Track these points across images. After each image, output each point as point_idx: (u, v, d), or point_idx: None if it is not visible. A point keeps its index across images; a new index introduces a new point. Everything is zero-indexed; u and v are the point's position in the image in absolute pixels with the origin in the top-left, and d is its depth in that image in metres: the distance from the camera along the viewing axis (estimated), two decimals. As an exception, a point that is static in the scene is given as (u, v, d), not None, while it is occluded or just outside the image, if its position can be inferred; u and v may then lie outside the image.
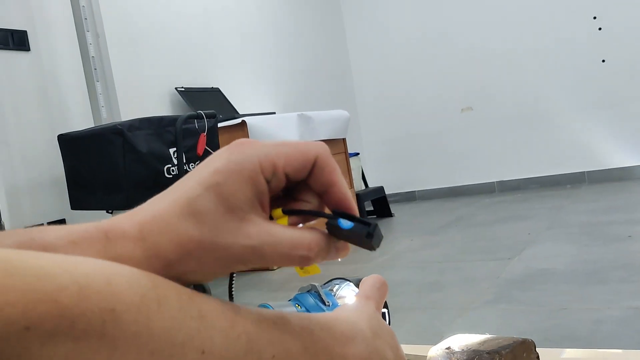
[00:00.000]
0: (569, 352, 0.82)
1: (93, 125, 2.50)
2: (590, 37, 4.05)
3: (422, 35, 4.61)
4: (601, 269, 2.01)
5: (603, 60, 4.04)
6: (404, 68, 4.71)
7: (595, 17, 4.03)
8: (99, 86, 2.51)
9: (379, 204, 4.15)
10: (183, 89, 3.10)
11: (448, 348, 0.65)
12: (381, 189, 4.15)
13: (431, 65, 4.61)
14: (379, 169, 4.84)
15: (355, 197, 3.73)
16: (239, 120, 2.84)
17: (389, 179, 4.72)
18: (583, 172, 4.17)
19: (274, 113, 3.22)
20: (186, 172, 2.31)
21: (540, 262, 2.23)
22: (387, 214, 4.10)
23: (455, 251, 2.68)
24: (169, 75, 3.11)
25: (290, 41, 4.18)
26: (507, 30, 4.31)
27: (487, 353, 0.61)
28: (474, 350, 0.62)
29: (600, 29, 4.02)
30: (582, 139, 4.14)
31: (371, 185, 4.38)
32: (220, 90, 3.32)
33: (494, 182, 4.49)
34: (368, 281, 0.44)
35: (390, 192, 4.63)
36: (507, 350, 0.63)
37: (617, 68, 3.99)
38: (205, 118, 2.35)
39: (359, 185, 4.03)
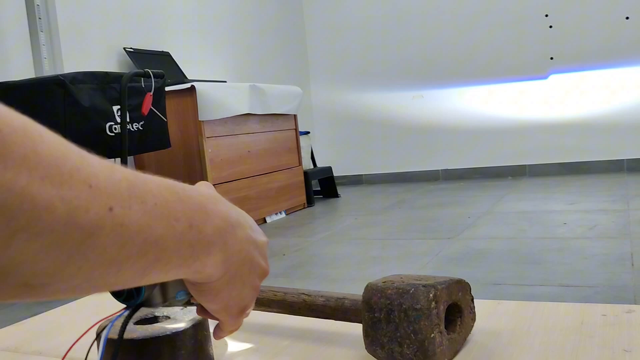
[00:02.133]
0: (503, 302, 0.83)
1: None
2: (541, 34, 4.15)
3: (380, 19, 4.62)
4: (537, 251, 2.07)
5: (551, 58, 4.15)
6: (361, 51, 4.72)
7: (547, 15, 4.13)
8: (42, 37, 2.39)
9: (326, 184, 4.15)
10: (132, 50, 3.00)
11: (386, 281, 0.64)
12: (329, 169, 4.15)
13: (387, 50, 4.63)
14: (329, 150, 4.84)
15: (303, 175, 3.72)
16: (188, 85, 2.77)
17: (338, 160, 4.73)
18: (524, 165, 4.29)
19: (225, 82, 3.16)
20: (129, 130, 2.24)
21: (478, 242, 2.28)
22: (334, 194, 4.11)
23: (397, 230, 2.71)
24: (118, 33, 2.99)
25: (247, 12, 4.11)
26: (462, 20, 4.36)
27: (424, 286, 0.61)
28: (410, 284, 0.62)
29: (550, 26, 4.13)
30: (525, 133, 4.26)
31: (320, 165, 4.38)
32: (170, 55, 3.23)
33: (439, 170, 4.56)
34: (203, 184, 0.48)
35: (338, 174, 4.64)
36: (443, 285, 0.62)
37: (564, 67, 4.11)
38: (152, 77, 2.27)
39: (308, 164, 4.02)
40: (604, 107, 4.04)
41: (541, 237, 2.28)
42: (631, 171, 3.93)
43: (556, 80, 4.16)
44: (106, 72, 2.17)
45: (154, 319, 0.67)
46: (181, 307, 0.70)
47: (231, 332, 0.52)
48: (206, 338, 0.66)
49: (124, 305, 0.50)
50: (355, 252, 2.33)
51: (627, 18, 3.93)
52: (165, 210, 0.35)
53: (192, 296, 0.47)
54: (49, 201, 0.27)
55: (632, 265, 1.81)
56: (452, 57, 4.43)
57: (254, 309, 0.76)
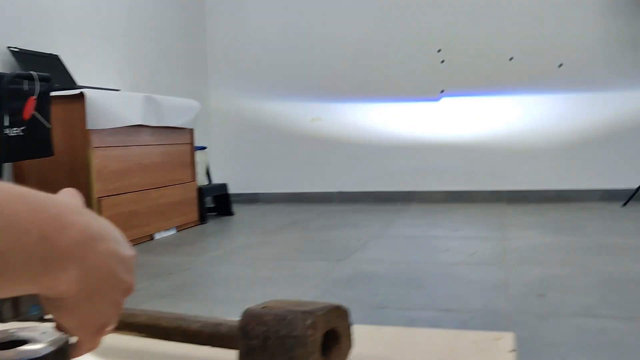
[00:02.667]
0: (381, 328, 0.84)
1: None
2: (433, 68, 4.37)
3: (283, 37, 4.66)
4: (420, 275, 2.14)
5: (442, 91, 4.38)
6: (262, 71, 4.72)
7: (439, 50, 4.36)
8: None
9: (220, 201, 4.09)
10: (17, 50, 2.80)
11: (265, 306, 0.63)
12: (224, 186, 4.09)
13: (288, 69, 4.67)
14: (225, 166, 4.78)
15: (197, 191, 3.63)
16: (77, 92, 2.63)
17: (234, 178, 4.67)
18: (414, 192, 4.46)
19: (118, 90, 3.03)
20: (7, 136, 2.08)
21: (367, 265, 2.33)
22: (228, 212, 4.05)
23: (289, 250, 2.71)
24: (2, 31, 2.79)
25: (147, 20, 3.98)
26: (362, 44, 4.50)
27: (302, 312, 0.60)
28: (289, 310, 0.61)
29: (443, 61, 4.36)
30: (412, 161, 4.44)
31: (215, 181, 4.30)
32: (59, 58, 3.05)
33: (334, 192, 4.64)
34: (67, 192, 0.45)
35: (234, 192, 4.59)
36: (322, 312, 0.62)
37: (453, 101, 4.35)
38: (37, 80, 2.14)
39: (203, 180, 3.94)
40: (490, 139, 4.31)
41: (425, 262, 2.36)
42: (510, 202, 4.21)
43: (451, 108, 4.39)
44: (-16, 71, 2.01)
45: (11, 343, 0.61)
46: (42, 331, 0.65)
47: (89, 350, 0.48)
48: (67, 365, 0.62)
49: None
50: (245, 273, 2.30)
51: (511, 59, 4.23)
52: (13, 221, 0.33)
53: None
54: None
55: (506, 291, 1.92)
56: (352, 79, 4.54)
57: (126, 333, 0.72)
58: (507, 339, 0.78)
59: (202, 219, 3.67)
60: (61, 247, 0.37)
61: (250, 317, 0.61)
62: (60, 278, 0.37)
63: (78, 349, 0.48)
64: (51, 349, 0.59)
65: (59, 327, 0.46)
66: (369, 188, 4.57)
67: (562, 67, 4.15)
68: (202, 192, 3.70)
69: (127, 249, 0.45)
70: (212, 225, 3.65)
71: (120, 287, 0.44)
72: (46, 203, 0.37)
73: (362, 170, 4.58)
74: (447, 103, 4.38)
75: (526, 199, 4.22)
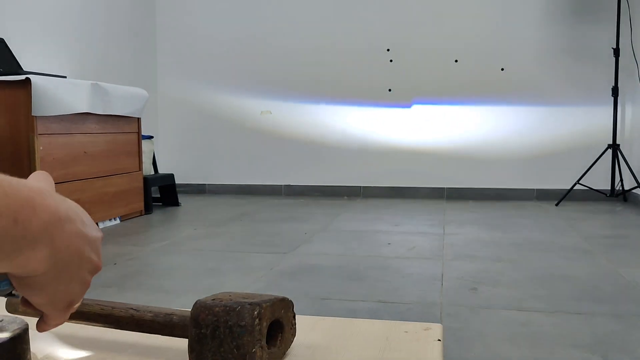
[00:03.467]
0: (322, 319, 0.90)
1: None
2: (382, 68, 4.48)
3: (233, 35, 4.66)
4: (362, 268, 2.23)
5: (389, 90, 4.49)
6: (212, 63, 4.71)
7: (388, 50, 4.46)
8: None
9: (167, 191, 4.07)
10: (-43, 31, 2.72)
11: (215, 298, 0.68)
12: (171, 176, 4.07)
13: (238, 63, 4.67)
14: (172, 156, 4.75)
15: (143, 181, 3.61)
16: (22, 77, 2.57)
17: (180, 168, 4.65)
18: (359, 187, 4.57)
19: (65, 77, 2.98)
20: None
21: (311, 258, 2.40)
22: (174, 202, 4.04)
23: (236, 242, 2.75)
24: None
25: (96, 6, 3.91)
26: (314, 42, 4.55)
27: (249, 304, 0.65)
28: (237, 302, 0.66)
29: (391, 60, 4.47)
30: (362, 156, 4.54)
31: (161, 171, 4.28)
32: (4, 42, 2.97)
33: (281, 185, 4.69)
34: (38, 175, 0.48)
35: (181, 182, 4.57)
36: (268, 304, 0.67)
37: (399, 98, 4.47)
38: (-19, 65, 2.09)
39: (149, 170, 3.91)
40: (433, 139, 4.46)
41: (367, 256, 2.45)
42: (449, 199, 4.36)
43: (397, 110, 4.50)
44: None
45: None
46: (2, 319, 0.67)
47: (56, 325, 0.51)
48: (25, 351, 0.65)
49: None
50: (191, 264, 2.32)
51: (456, 61, 4.38)
52: None
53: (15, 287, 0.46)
54: None
55: (442, 284, 2.02)
56: (303, 75, 4.59)
57: (80, 322, 0.76)
58: (435, 330, 0.86)
59: (148, 209, 3.66)
60: (32, 229, 0.39)
61: (201, 308, 0.66)
62: (31, 257, 0.40)
63: (45, 324, 0.50)
64: (8, 335, 0.62)
65: (25, 304, 0.49)
66: (316, 182, 4.64)
67: (504, 71, 4.33)
68: (148, 181, 3.68)
69: (93, 231, 0.48)
70: (157, 215, 3.63)
71: (88, 266, 0.47)
72: (18, 187, 0.39)
73: (310, 165, 4.65)
74: (396, 107, 4.49)
75: (466, 197, 4.39)
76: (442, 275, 2.14)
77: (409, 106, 4.48)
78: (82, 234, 0.45)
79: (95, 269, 0.48)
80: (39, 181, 0.47)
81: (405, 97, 4.47)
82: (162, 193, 4.08)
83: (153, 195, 3.85)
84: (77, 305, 0.51)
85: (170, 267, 2.29)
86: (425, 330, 0.85)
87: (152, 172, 4.02)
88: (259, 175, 4.73)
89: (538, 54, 4.29)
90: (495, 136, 4.39)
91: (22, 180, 0.41)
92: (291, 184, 4.68)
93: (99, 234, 0.49)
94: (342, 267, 2.25)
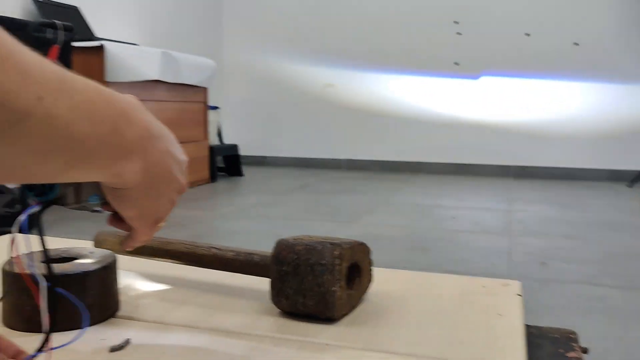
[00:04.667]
0: (398, 271, 0.90)
1: None
2: (449, 40, 4.37)
3: (300, 4, 4.65)
4: (427, 240, 2.20)
5: (456, 63, 4.38)
6: (278, 34, 4.72)
7: (456, 22, 4.35)
8: (-63, -31, 2.20)
9: (231, 161, 4.14)
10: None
11: (296, 238, 0.68)
12: (235, 147, 4.14)
13: (304, 38, 4.66)
14: (236, 127, 4.82)
15: (209, 150, 3.68)
16: (97, 43, 2.66)
17: (244, 139, 4.71)
18: (422, 162, 4.50)
19: (137, 45, 3.06)
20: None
21: (375, 228, 2.39)
22: (238, 172, 4.11)
23: (299, 211, 2.77)
24: (23, -20, 2.81)
25: (165, -21, 3.98)
26: (376, 24, 4.49)
27: (330, 244, 0.65)
28: (318, 242, 0.66)
29: (459, 33, 4.35)
30: (422, 133, 4.47)
31: (226, 142, 4.35)
32: (78, 10, 3.07)
33: (342, 159, 4.69)
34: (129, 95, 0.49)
35: (244, 154, 4.63)
36: (348, 246, 0.67)
37: (467, 70, 4.35)
38: (60, 29, 2.17)
39: (214, 140, 3.98)
40: (500, 114, 4.33)
41: (431, 229, 2.42)
42: (517, 177, 4.25)
43: (464, 83, 4.40)
44: (11, 19, 2.05)
45: (64, 260, 0.66)
46: (90, 250, 0.70)
47: (142, 242, 0.52)
48: (113, 281, 0.67)
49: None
50: (256, 229, 2.36)
51: (527, 34, 4.22)
52: (91, 110, 0.36)
53: (104, 202, 0.47)
54: None
55: (509, 258, 1.97)
56: (368, 46, 4.54)
57: (164, 260, 0.78)
58: (514, 285, 0.84)
59: (213, 178, 3.73)
60: (128, 139, 0.40)
61: (283, 246, 0.67)
62: (126, 167, 0.41)
63: (133, 239, 0.52)
64: (100, 264, 0.65)
65: (112, 221, 0.50)
66: (377, 157, 4.61)
67: (578, 46, 4.14)
68: (213, 151, 3.75)
69: (180, 153, 0.49)
70: (222, 184, 3.71)
71: (175, 185, 0.48)
72: (117, 98, 0.40)
73: (372, 139, 4.62)
74: (463, 80, 4.38)
75: (533, 175, 4.25)
76: (510, 249, 2.09)
77: (476, 78, 4.36)
78: (171, 153, 0.47)
79: (181, 189, 0.49)
80: (133, 98, 0.49)
81: (472, 68, 4.35)
82: (226, 163, 4.15)
83: (217, 165, 3.92)
84: (162, 224, 0.52)
85: (236, 230, 2.33)
86: (503, 285, 0.83)
87: (218, 142, 4.10)
88: (320, 149, 4.74)
89: (615, 27, 4.07)
90: (567, 113, 4.22)
91: (120, 94, 0.42)
92: (352, 158, 4.67)
93: (185, 158, 0.50)
94: (406, 237, 2.23)
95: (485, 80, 4.33)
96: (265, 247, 2.15)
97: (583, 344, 0.69)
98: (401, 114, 4.53)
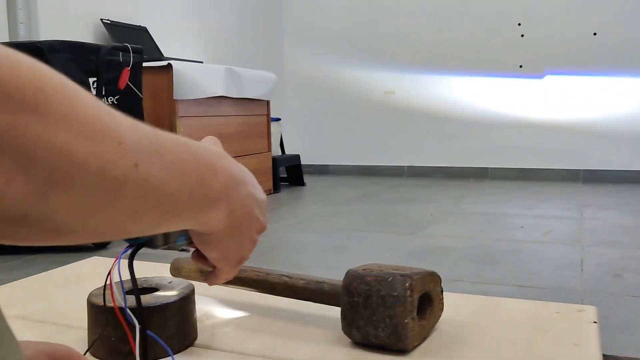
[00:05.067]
0: (468, 296, 0.89)
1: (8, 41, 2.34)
2: (512, 42, 4.27)
3: (358, 10, 4.66)
4: (494, 251, 2.16)
5: (520, 66, 4.27)
6: (335, 43, 4.75)
7: (519, 24, 4.24)
8: (19, 0, 2.35)
9: (293, 171, 4.19)
10: (109, 22, 2.96)
11: (366, 268, 0.69)
12: (297, 157, 4.19)
13: (362, 45, 4.67)
14: (297, 138, 4.87)
15: (271, 161, 3.75)
16: (164, 63, 2.76)
17: (305, 149, 4.76)
18: (486, 168, 4.41)
19: (202, 62, 3.15)
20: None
21: (439, 239, 2.36)
22: (300, 182, 4.15)
23: (361, 222, 2.77)
24: (96, 4, 2.95)
25: (226, -5, 4.09)
26: (436, 27, 4.44)
27: (401, 275, 0.66)
28: (389, 272, 0.67)
29: (522, 35, 4.25)
30: (485, 137, 4.38)
31: (288, 152, 4.41)
32: (147, 30, 3.20)
33: (404, 166, 4.65)
34: (210, 139, 0.51)
35: (305, 163, 4.68)
36: (419, 276, 0.68)
37: (530, 69, 4.24)
38: (131, 52, 2.27)
39: (277, 151, 4.05)
40: (567, 115, 4.19)
41: (499, 239, 2.37)
42: (586, 182, 4.09)
43: (529, 83, 4.29)
44: (83, 43, 2.15)
45: (145, 290, 0.70)
46: (169, 280, 0.74)
47: (225, 280, 0.55)
48: (192, 310, 0.70)
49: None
50: (320, 241, 2.38)
51: (595, 34, 4.07)
52: (180, 167, 0.38)
53: (190, 242, 0.50)
54: (83, 156, 0.29)
55: (582, 270, 1.91)
56: (429, 51, 4.50)
57: (237, 287, 0.80)
58: (589, 312, 0.81)
59: (276, 188, 3.79)
60: (214, 189, 0.42)
61: (353, 277, 0.68)
62: (212, 215, 0.43)
63: (216, 277, 0.55)
64: (180, 295, 0.68)
65: (196, 259, 0.53)
66: (439, 163, 4.55)
67: (650, 42, 3.95)
68: (276, 162, 3.81)
69: (261, 193, 0.51)
70: (285, 194, 3.76)
71: (256, 226, 0.51)
72: (202, 151, 0.42)
73: (433, 144, 4.56)
74: (525, 80, 4.27)
75: (604, 179, 4.09)
76: (582, 260, 2.02)
77: (541, 77, 4.23)
78: (252, 195, 0.49)
79: (261, 229, 0.52)
80: (214, 144, 0.51)
81: (536, 67, 4.22)
82: (289, 173, 4.21)
83: (280, 175, 3.98)
84: (244, 262, 0.54)
85: (301, 243, 2.36)
86: (578, 312, 0.81)
87: (280, 153, 4.16)
88: (381, 156, 4.72)
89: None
90: (636, 115, 4.04)
91: (202, 144, 0.44)
92: (414, 165, 4.63)
93: (264, 197, 0.53)
94: (472, 249, 2.20)
95: (551, 80, 4.20)
96: (331, 260, 2.17)
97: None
98: (463, 116, 4.46)
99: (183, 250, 0.55)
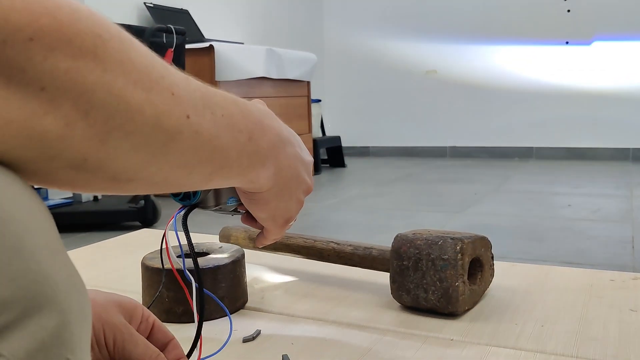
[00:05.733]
0: (519, 264, 0.87)
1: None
2: (558, 18, 4.14)
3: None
4: (541, 229, 2.12)
5: (567, 42, 4.14)
6: (376, 23, 4.70)
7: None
8: (65, -15, 2.40)
9: (333, 153, 4.18)
10: (152, 5, 3.00)
11: (415, 232, 0.68)
12: (337, 138, 4.18)
13: (403, 22, 4.61)
14: (338, 119, 4.86)
15: (312, 143, 3.75)
16: (206, 44, 2.78)
17: (346, 130, 4.75)
18: (532, 148, 4.32)
19: (242, 44, 3.17)
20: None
21: (484, 218, 2.33)
22: (340, 164, 4.15)
23: (404, 202, 2.76)
24: (138, -12, 2.99)
25: (266, -24, 4.08)
26: (478, 4, 4.35)
27: (451, 239, 0.65)
28: (439, 236, 0.66)
29: (568, 10, 4.11)
30: (534, 116, 4.27)
31: (329, 134, 4.40)
32: (189, 13, 3.23)
33: (447, 146, 4.59)
34: (258, 101, 0.51)
35: (346, 145, 4.67)
36: (469, 240, 0.67)
37: (578, 52, 4.11)
38: (174, 33, 2.29)
39: (317, 132, 4.05)
40: (616, 87, 4.05)
41: (546, 217, 2.32)
42: (636, 160, 3.96)
43: (574, 54, 4.16)
44: (128, 25, 2.19)
45: (197, 254, 0.71)
46: (219, 245, 0.75)
47: (274, 240, 0.56)
48: (242, 273, 0.71)
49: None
50: (362, 220, 2.38)
51: (647, 6, 3.91)
52: (231, 122, 0.38)
53: (240, 203, 0.51)
54: (139, 104, 0.30)
55: (633, 247, 1.85)
56: (471, 25, 4.41)
57: (284, 254, 0.81)
58: (646, 280, 0.79)
59: (317, 170, 3.79)
60: (262, 146, 0.43)
61: (403, 241, 0.67)
62: (261, 174, 0.44)
63: (265, 238, 0.55)
64: (231, 258, 0.69)
65: (246, 220, 0.54)
66: (483, 143, 4.47)
67: None
68: (317, 143, 3.81)
69: (307, 155, 0.51)
70: (325, 175, 3.76)
71: (303, 186, 0.51)
72: (251, 108, 0.43)
73: (476, 124, 4.48)
74: (573, 49, 4.14)
75: (656, 158, 3.95)
76: (633, 238, 1.96)
77: (588, 43, 4.08)
78: (299, 156, 0.49)
79: (308, 190, 0.52)
80: (262, 105, 0.51)
81: (584, 33, 4.07)
82: (329, 155, 4.20)
83: (321, 157, 3.98)
84: (292, 223, 0.55)
85: (343, 222, 2.36)
86: (633, 279, 0.79)
87: (320, 135, 4.16)
88: (423, 137, 4.67)
89: None
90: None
91: (252, 102, 0.44)
92: (456, 145, 4.57)
93: (311, 159, 0.53)
94: (518, 227, 2.16)
95: (599, 45, 4.04)
96: (373, 239, 2.17)
97: None
98: (507, 89, 4.34)
99: (234, 211, 0.56)
